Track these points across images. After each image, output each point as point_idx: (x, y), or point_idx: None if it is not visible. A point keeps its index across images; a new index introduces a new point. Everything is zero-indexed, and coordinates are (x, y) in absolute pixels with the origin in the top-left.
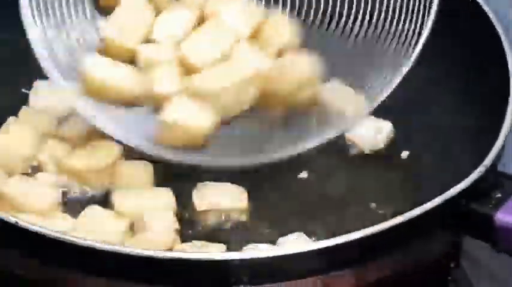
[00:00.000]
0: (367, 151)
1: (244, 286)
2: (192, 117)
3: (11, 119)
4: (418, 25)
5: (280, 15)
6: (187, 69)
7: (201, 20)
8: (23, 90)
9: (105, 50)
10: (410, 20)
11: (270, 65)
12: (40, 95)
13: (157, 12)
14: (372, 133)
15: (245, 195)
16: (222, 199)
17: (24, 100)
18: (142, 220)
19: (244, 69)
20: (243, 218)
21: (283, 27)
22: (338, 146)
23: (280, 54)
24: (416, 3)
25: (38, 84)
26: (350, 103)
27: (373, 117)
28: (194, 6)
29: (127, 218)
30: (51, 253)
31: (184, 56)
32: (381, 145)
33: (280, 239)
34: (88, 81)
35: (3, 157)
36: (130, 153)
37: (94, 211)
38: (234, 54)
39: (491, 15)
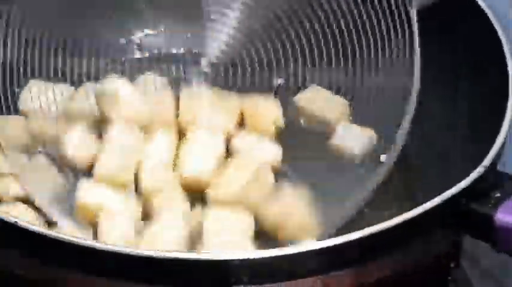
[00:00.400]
0: (356, 159)
1: (244, 286)
2: (233, 229)
3: None
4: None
5: (257, 97)
6: (196, 188)
7: (180, 135)
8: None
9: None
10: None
11: (279, 150)
12: (32, 95)
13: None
14: (356, 141)
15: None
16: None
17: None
18: None
19: (252, 162)
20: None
21: (266, 109)
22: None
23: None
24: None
25: (31, 84)
26: (332, 108)
27: (355, 125)
28: (169, 127)
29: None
30: (51, 253)
31: (188, 178)
32: (364, 152)
33: None
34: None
35: None
36: None
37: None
38: (235, 149)
39: (490, 15)
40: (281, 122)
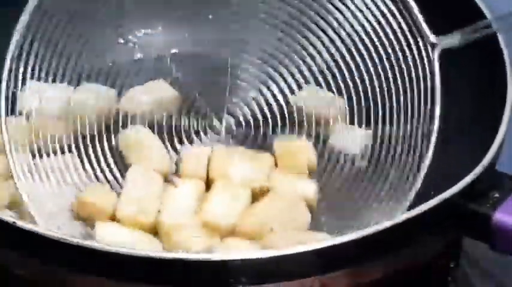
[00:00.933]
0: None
1: (243, 286)
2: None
3: None
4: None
5: (288, 139)
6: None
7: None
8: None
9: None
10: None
11: (315, 187)
12: (32, 95)
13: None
14: (354, 141)
15: None
16: None
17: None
18: None
19: (286, 196)
20: None
21: (299, 149)
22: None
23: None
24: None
25: (29, 84)
26: (330, 107)
27: (353, 125)
28: (197, 178)
29: None
30: (51, 253)
31: (208, 222)
32: (363, 152)
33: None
34: None
35: None
36: None
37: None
38: (270, 187)
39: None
40: (315, 160)
